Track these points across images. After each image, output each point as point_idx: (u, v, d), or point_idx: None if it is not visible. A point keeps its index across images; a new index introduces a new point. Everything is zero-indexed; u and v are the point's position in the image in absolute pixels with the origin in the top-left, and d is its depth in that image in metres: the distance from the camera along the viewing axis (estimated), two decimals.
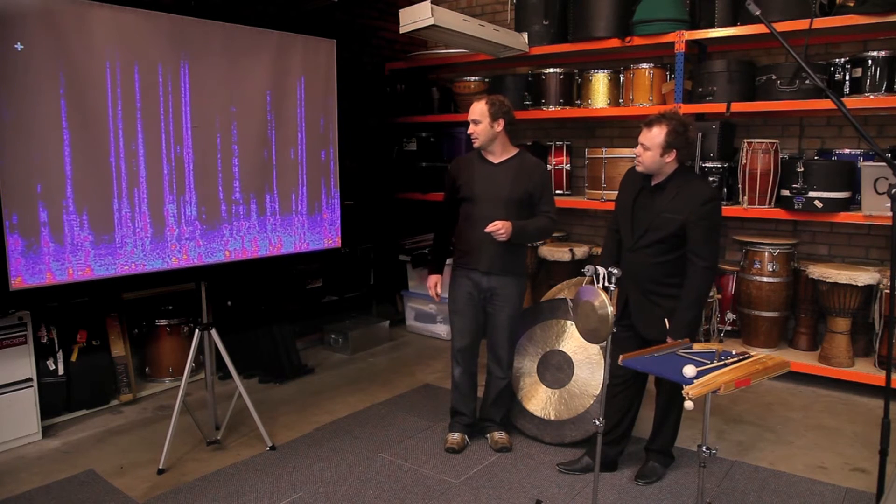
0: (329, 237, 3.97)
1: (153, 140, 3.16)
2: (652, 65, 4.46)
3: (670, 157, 2.69)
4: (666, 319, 2.72)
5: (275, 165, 3.64)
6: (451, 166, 3.30)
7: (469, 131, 3.13)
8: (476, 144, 3.15)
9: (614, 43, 4.47)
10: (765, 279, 4.19)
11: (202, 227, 3.36)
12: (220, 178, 3.40)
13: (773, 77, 3.97)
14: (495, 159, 3.18)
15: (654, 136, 2.66)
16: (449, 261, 3.43)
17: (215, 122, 3.36)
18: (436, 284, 3.37)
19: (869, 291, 3.89)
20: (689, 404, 2.02)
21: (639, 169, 2.78)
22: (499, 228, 2.98)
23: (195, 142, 3.29)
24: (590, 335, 2.34)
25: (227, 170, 3.43)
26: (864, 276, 3.78)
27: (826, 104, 3.73)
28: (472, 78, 5.29)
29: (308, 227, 3.85)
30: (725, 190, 4.22)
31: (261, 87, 3.56)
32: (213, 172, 3.37)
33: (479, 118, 3.08)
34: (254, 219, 3.58)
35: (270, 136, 3.61)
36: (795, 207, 3.87)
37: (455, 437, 3.33)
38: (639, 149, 2.73)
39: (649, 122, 2.71)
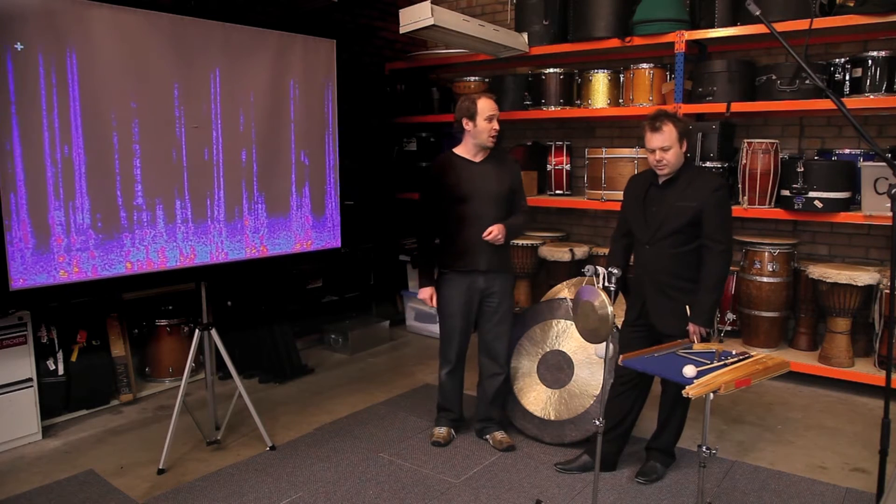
0: (252, 245, 3.56)
1: (33, 138, 2.78)
2: (652, 65, 4.46)
3: (685, 148, 2.77)
4: (687, 307, 2.74)
5: (185, 168, 3.25)
6: (432, 167, 3.28)
7: (658, 158, 2.76)
8: (665, 171, 2.79)
9: (614, 43, 4.46)
10: (765, 279, 4.19)
11: (97, 236, 3.00)
12: (118, 181, 3.03)
13: (773, 77, 3.96)
14: (476, 159, 3.20)
15: (669, 132, 2.70)
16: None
17: (111, 119, 3.00)
18: (431, 297, 3.26)
19: (869, 291, 3.89)
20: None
21: (664, 172, 2.79)
22: (496, 234, 3.08)
23: (87, 141, 2.91)
24: (590, 335, 2.34)
25: (127, 172, 3.05)
26: (864, 276, 3.78)
27: (826, 104, 3.73)
28: (472, 78, 5.29)
29: (227, 235, 3.44)
30: None
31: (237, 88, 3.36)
32: (110, 174, 3.00)
33: (670, 144, 2.74)
34: (161, 227, 3.18)
35: (179, 134, 3.21)
36: (795, 207, 3.87)
37: (441, 431, 3.38)
38: (658, 153, 2.72)
39: (656, 126, 2.72)
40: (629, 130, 5.11)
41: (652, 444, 3.06)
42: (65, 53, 2.83)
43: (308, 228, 3.84)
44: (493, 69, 5.47)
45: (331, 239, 3.99)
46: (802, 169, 3.82)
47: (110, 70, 2.98)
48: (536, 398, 3.43)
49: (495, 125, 3.13)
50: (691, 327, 2.73)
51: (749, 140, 4.11)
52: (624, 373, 2.88)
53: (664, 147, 2.71)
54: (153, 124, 3.13)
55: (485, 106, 3.11)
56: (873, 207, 3.68)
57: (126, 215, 3.09)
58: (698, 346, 2.51)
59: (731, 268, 4.44)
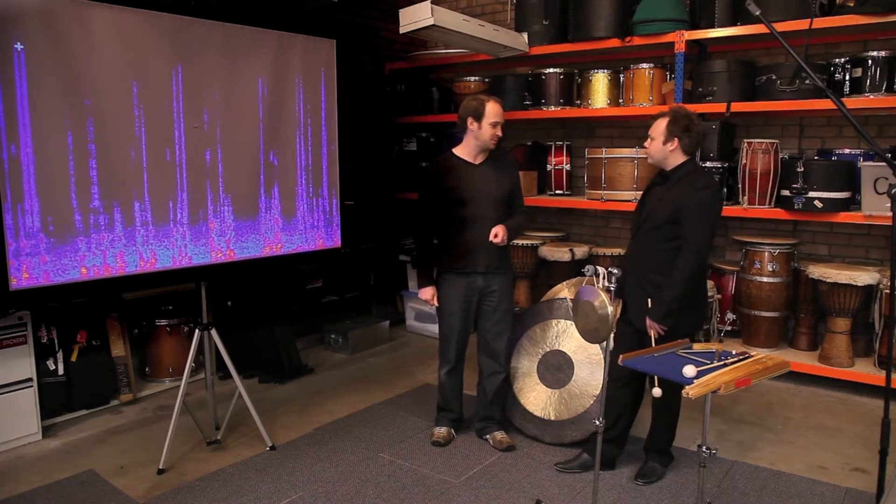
0: (218, 249, 3.42)
1: None
2: (652, 65, 4.46)
3: (673, 146, 2.79)
4: (649, 300, 2.76)
5: (145, 168, 3.10)
6: (432, 169, 3.27)
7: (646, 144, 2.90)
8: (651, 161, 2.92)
9: (614, 43, 4.46)
10: (765, 279, 4.19)
11: (49, 240, 2.88)
12: (72, 182, 2.91)
13: (773, 77, 3.96)
14: (476, 160, 3.20)
15: (658, 125, 2.82)
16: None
17: (64, 119, 2.86)
18: (433, 296, 3.28)
19: (869, 291, 3.89)
20: (656, 391, 2.22)
21: (649, 161, 2.92)
22: (502, 237, 3.11)
23: (36, 140, 2.79)
24: (590, 335, 2.34)
25: (83, 174, 2.94)
26: (864, 276, 3.78)
27: (826, 104, 3.73)
28: (472, 78, 5.29)
29: (191, 239, 3.31)
30: (725, 190, 4.22)
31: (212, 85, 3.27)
32: (63, 175, 2.88)
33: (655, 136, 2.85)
34: (118, 230, 3.05)
35: (139, 134, 3.08)
36: (795, 207, 3.87)
37: (441, 431, 3.39)
38: (647, 141, 2.88)
39: (656, 115, 2.87)
40: (629, 130, 5.10)
41: (648, 444, 3.07)
42: (11, 48, 2.70)
43: (278, 231, 3.73)
44: (493, 69, 5.47)
45: (303, 242, 3.87)
46: (802, 169, 3.82)
47: (63, 66, 2.84)
48: (536, 398, 3.43)
49: (499, 131, 3.13)
50: (647, 322, 2.74)
51: (749, 140, 4.11)
52: (614, 370, 2.85)
53: (650, 135, 2.85)
54: (110, 123, 3.01)
55: (492, 110, 3.10)
56: (873, 207, 3.67)
57: (81, 218, 2.95)
58: (698, 346, 2.51)
59: (731, 268, 4.45)
